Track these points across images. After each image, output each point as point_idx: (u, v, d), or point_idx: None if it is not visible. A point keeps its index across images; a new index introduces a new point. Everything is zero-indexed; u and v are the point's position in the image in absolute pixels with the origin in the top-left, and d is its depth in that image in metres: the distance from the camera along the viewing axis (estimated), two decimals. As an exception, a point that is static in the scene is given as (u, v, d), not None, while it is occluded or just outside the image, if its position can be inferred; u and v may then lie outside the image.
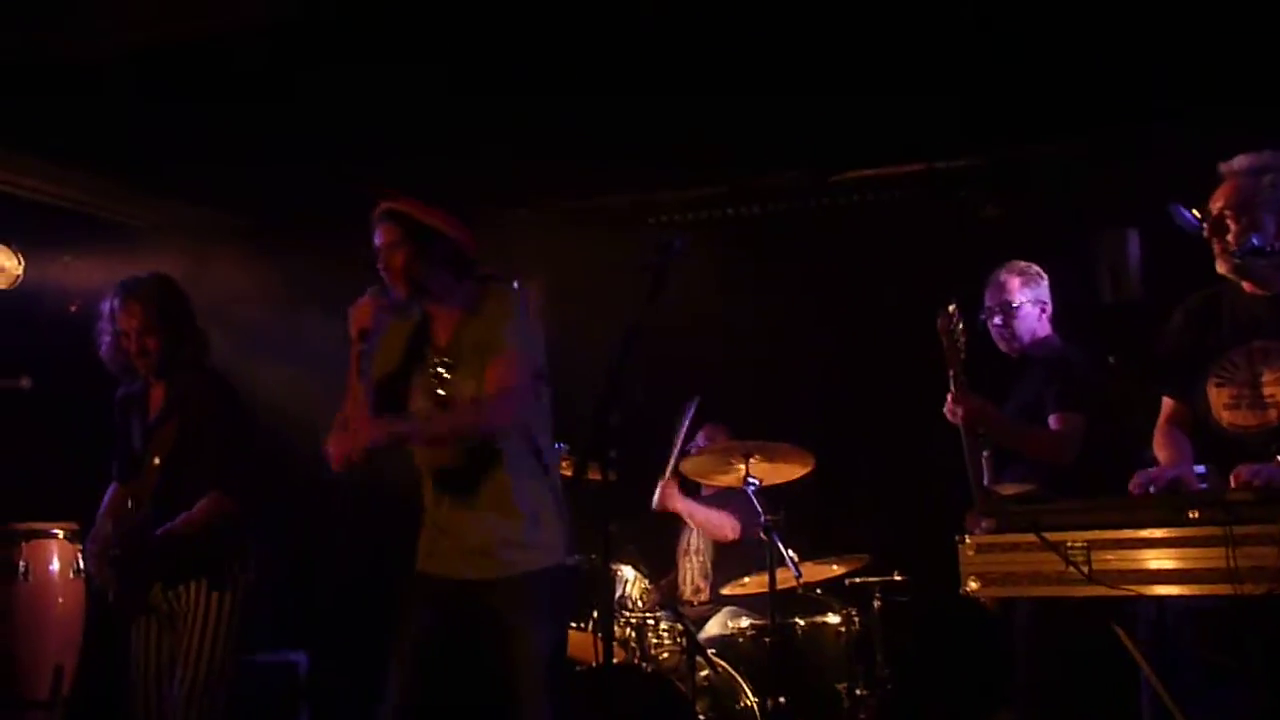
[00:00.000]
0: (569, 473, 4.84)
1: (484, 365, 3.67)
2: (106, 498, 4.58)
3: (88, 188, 6.55)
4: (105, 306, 4.43)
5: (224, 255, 6.57)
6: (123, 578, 4.29)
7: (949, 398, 4.42)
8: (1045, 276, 4.84)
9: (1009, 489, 3.93)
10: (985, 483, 4.25)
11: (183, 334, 4.42)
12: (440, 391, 3.75)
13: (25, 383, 4.87)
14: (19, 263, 6.14)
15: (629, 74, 5.16)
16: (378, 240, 3.76)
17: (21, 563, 5.11)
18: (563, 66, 5.14)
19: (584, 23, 4.84)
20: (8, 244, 6.15)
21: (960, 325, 4.42)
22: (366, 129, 5.63)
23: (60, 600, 5.18)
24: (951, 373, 4.42)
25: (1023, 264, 4.85)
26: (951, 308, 4.42)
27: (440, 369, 3.78)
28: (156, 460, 4.28)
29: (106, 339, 4.42)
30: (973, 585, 3.28)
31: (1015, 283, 4.78)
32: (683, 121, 5.50)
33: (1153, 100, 5.34)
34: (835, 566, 5.27)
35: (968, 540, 3.28)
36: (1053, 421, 4.51)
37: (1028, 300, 4.77)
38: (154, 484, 4.27)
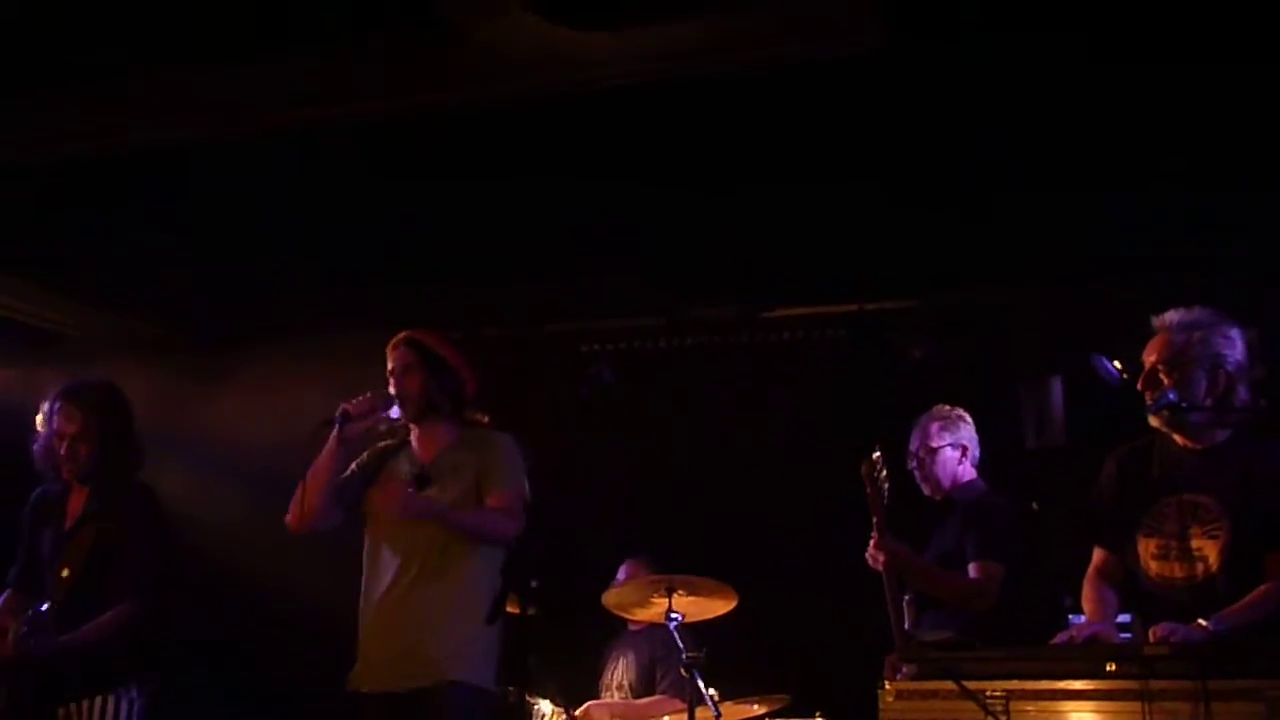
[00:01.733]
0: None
1: (473, 488, 4.07)
2: (0, 605, 4.45)
3: (16, 294, 6.47)
4: (45, 405, 4.40)
5: (145, 365, 6.50)
6: (14, 689, 4.13)
7: (871, 543, 4.45)
8: (968, 420, 4.90)
9: (929, 635, 3.92)
10: (905, 627, 4.24)
11: (117, 445, 4.39)
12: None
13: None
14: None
15: (569, 200, 5.22)
16: (392, 364, 4.21)
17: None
18: (498, 190, 5.19)
19: (533, 150, 4.91)
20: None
21: (884, 472, 4.48)
22: (306, 249, 5.62)
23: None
24: (875, 518, 4.46)
25: (945, 408, 4.91)
26: (876, 454, 4.48)
27: (416, 484, 4.11)
28: (65, 572, 4.19)
29: (40, 438, 4.39)
30: (890, 731, 3.25)
31: (935, 427, 4.84)
32: (623, 251, 5.56)
33: (1080, 252, 5.47)
34: (756, 706, 5.19)
35: (887, 686, 3.26)
36: (972, 570, 4.54)
37: (947, 444, 4.82)
38: (63, 593, 4.17)
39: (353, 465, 4.29)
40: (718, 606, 5.16)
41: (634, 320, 6.29)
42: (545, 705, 5.17)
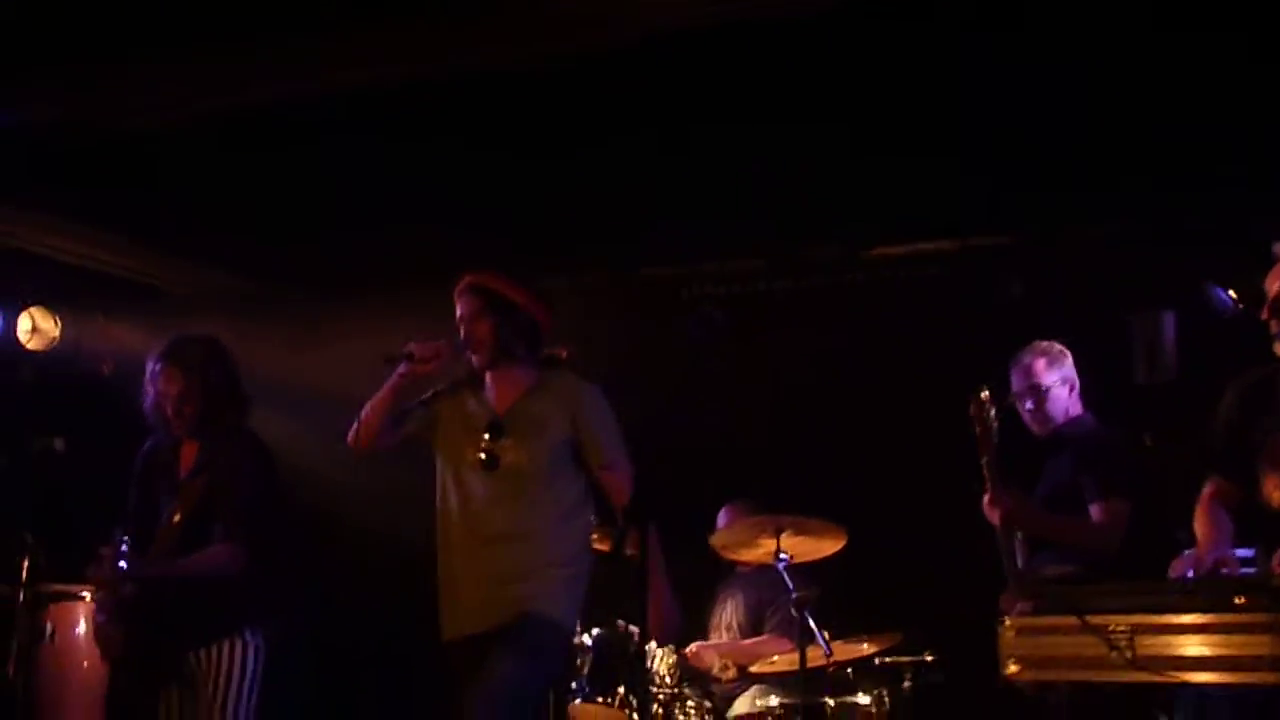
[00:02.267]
0: (604, 547, 4.83)
1: (559, 444, 3.96)
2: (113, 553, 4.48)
3: (122, 251, 6.62)
4: (149, 365, 4.43)
5: (252, 321, 6.62)
6: (131, 629, 4.22)
7: (985, 497, 4.39)
8: (1068, 355, 4.80)
9: (1049, 570, 3.88)
10: (1020, 565, 4.19)
11: (222, 400, 4.41)
12: (482, 455, 3.94)
13: (59, 444, 4.88)
14: (56, 324, 6.22)
15: (668, 143, 5.21)
16: (460, 311, 4.04)
17: (49, 624, 5.11)
18: (599, 136, 5.19)
19: (619, 94, 4.90)
20: (45, 306, 6.23)
21: (993, 412, 4.38)
22: (407, 201, 5.68)
23: (85, 663, 5.14)
24: (985, 464, 4.38)
25: (1044, 344, 4.80)
26: (984, 394, 4.39)
27: (488, 434, 3.97)
28: (177, 517, 4.26)
29: (149, 396, 4.43)
30: (1012, 668, 3.25)
31: (1040, 364, 4.73)
32: (722, 193, 5.54)
33: (1188, 181, 5.35)
34: (866, 645, 5.17)
35: (1007, 622, 3.24)
36: (1095, 511, 4.42)
37: (1055, 381, 4.71)
38: (174, 539, 4.25)
39: (420, 399, 4.18)
40: (826, 546, 5.13)
41: (734, 263, 6.26)
42: (654, 644, 5.21)
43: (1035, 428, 4.75)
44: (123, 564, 4.03)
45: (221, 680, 4.20)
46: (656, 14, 4.36)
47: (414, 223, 5.88)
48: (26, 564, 4.78)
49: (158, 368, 4.38)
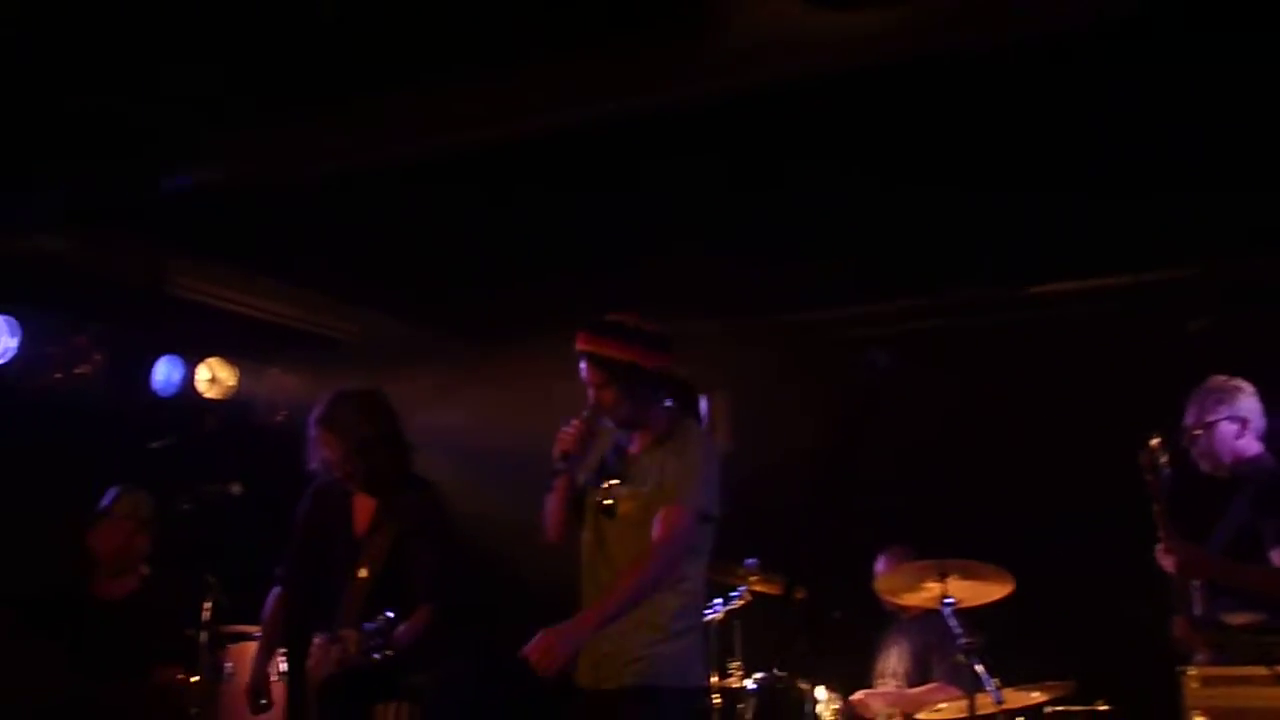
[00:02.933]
0: (769, 589, 4.82)
1: (653, 497, 3.89)
2: (271, 600, 4.60)
3: (295, 301, 6.84)
4: (309, 426, 4.47)
5: (423, 369, 6.76)
6: (326, 699, 4.22)
7: (1158, 546, 4.26)
8: (1247, 391, 4.60)
9: (1237, 618, 3.72)
10: (1197, 612, 4.04)
11: (381, 454, 4.42)
12: (605, 501, 3.99)
13: (236, 489, 5.04)
14: (233, 374, 6.46)
15: (824, 183, 5.17)
16: (584, 375, 3.99)
17: (228, 664, 5.26)
18: (753, 177, 5.19)
19: (779, 134, 4.89)
20: (222, 357, 6.48)
21: (1164, 458, 4.25)
22: (568, 245, 5.76)
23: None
24: (1158, 513, 4.26)
25: (1221, 379, 4.64)
26: (1154, 442, 4.27)
27: (614, 480, 4.02)
28: (363, 573, 4.28)
29: (312, 455, 4.48)
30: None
31: (1210, 400, 4.57)
32: (879, 233, 5.48)
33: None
34: (1036, 694, 5.05)
35: (1191, 672, 3.13)
36: (1277, 557, 4.20)
37: (1224, 417, 4.54)
38: (363, 596, 4.25)
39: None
40: (993, 591, 5.03)
41: (896, 303, 6.19)
42: (821, 691, 5.16)
43: (1203, 465, 4.59)
44: (375, 655, 4.04)
45: None
46: (820, 53, 4.35)
47: (576, 268, 5.95)
48: (209, 605, 4.93)
49: (315, 434, 4.44)
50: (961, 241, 5.62)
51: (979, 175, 5.07)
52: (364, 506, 4.47)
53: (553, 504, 4.06)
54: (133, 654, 4.95)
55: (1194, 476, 4.59)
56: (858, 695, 5.41)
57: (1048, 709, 5.06)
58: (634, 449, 4.06)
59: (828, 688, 5.17)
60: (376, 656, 4.00)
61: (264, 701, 4.51)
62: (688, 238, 5.70)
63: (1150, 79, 4.33)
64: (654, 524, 3.85)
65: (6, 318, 5.59)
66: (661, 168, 5.17)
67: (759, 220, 5.51)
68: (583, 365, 3.99)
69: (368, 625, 4.02)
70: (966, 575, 4.97)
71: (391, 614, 4.06)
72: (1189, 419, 4.62)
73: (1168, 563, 4.25)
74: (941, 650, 5.34)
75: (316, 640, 4.25)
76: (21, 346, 5.62)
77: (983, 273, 5.97)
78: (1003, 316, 6.09)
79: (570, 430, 3.96)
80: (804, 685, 5.15)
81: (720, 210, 5.48)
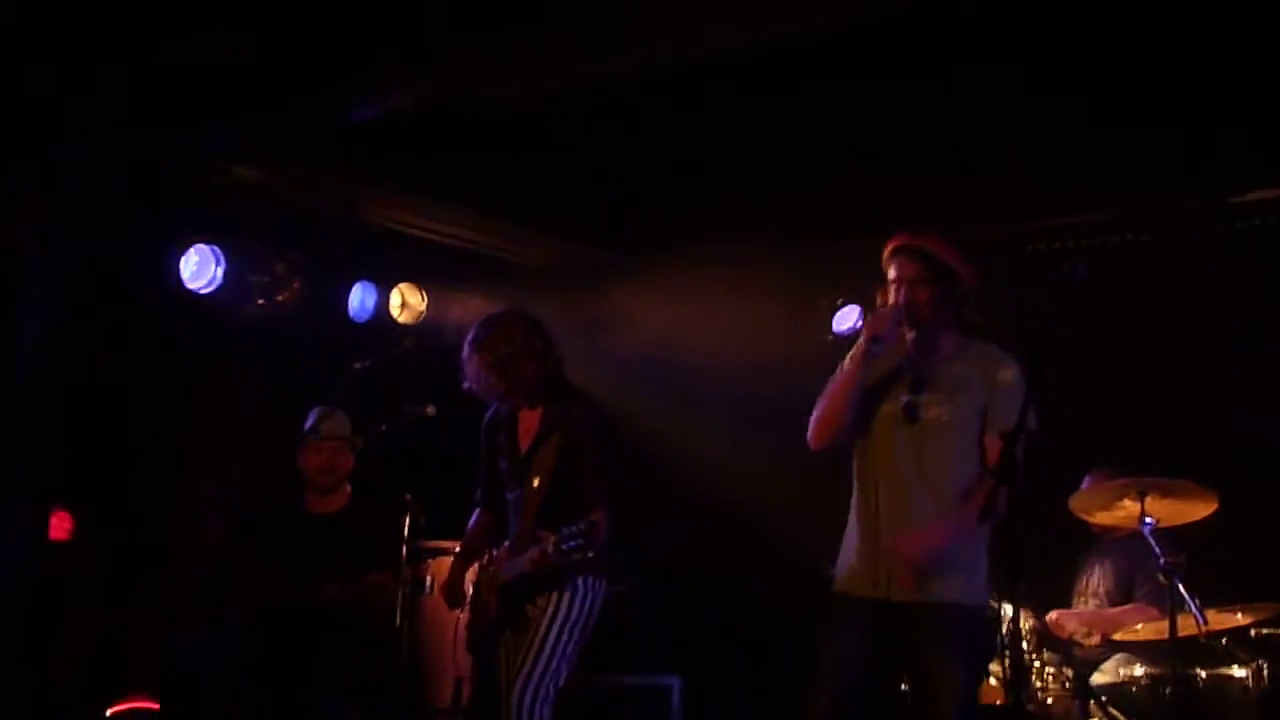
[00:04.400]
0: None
1: (974, 412, 3.87)
2: (472, 522, 4.86)
3: (480, 228, 6.96)
4: (464, 353, 4.68)
5: (608, 291, 6.85)
6: (505, 598, 4.52)
7: None
8: None
9: None
10: None
11: (527, 366, 4.59)
12: (909, 403, 3.91)
13: (430, 410, 5.18)
14: (423, 299, 6.62)
15: (1002, 93, 5.02)
16: (897, 272, 3.94)
17: (428, 578, 5.47)
18: (922, 91, 5.09)
19: (962, 46, 4.78)
20: (413, 282, 6.65)
21: None
22: (749, 166, 5.75)
23: (460, 614, 5.47)
24: None
25: None
26: None
27: (912, 393, 3.93)
28: (537, 481, 4.48)
29: (468, 376, 4.68)
30: None
31: None
32: (1068, 142, 5.32)
33: None
34: (1240, 615, 4.89)
35: None
36: None
37: None
38: (537, 504, 4.46)
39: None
40: (1195, 510, 4.86)
41: (1084, 216, 6.01)
42: (1008, 609, 5.07)
43: None
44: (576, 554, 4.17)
45: (542, 622, 4.42)
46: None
47: (755, 188, 5.92)
48: (407, 522, 5.11)
49: (464, 356, 4.66)
50: (1157, 151, 5.41)
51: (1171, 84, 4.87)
52: (528, 421, 4.67)
53: (836, 396, 3.93)
54: (343, 565, 5.21)
55: None
56: (1052, 615, 5.33)
57: (1254, 631, 4.91)
58: (925, 364, 3.98)
59: (1021, 607, 5.07)
60: (577, 556, 4.15)
61: (459, 598, 4.76)
62: (872, 155, 5.63)
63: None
64: (991, 453, 3.81)
65: (212, 247, 5.80)
66: (838, 86, 5.10)
67: (946, 134, 5.41)
68: (899, 262, 3.94)
69: (566, 528, 4.17)
70: (1166, 494, 4.82)
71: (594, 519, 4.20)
72: None
73: None
74: (1145, 571, 5.20)
75: (500, 549, 4.60)
76: (225, 275, 5.82)
77: (1176, 183, 5.75)
78: (1202, 227, 5.84)
79: (885, 313, 3.91)
80: (996, 604, 5.09)
81: (904, 126, 5.40)
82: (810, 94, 5.17)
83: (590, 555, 4.17)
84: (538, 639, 4.40)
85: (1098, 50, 4.76)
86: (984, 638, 3.92)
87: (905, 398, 3.93)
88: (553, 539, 4.18)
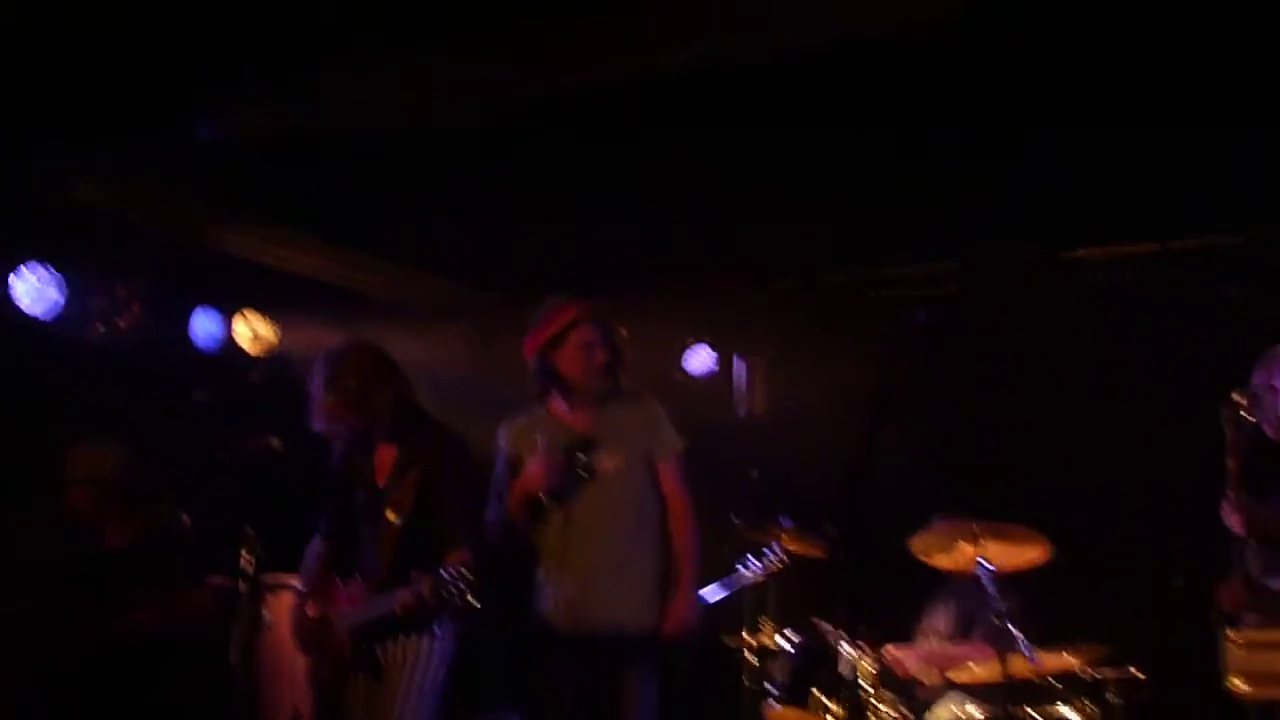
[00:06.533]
0: (801, 548, 4.81)
1: (639, 453, 4.53)
2: (313, 554, 4.69)
3: (327, 255, 6.86)
4: (311, 387, 4.54)
5: (447, 325, 6.81)
6: (356, 640, 4.35)
7: (1225, 503, 4.25)
8: None
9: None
10: (1255, 575, 4.03)
11: (376, 398, 4.46)
12: (581, 473, 4.45)
13: (275, 443, 5.08)
14: (274, 330, 6.50)
15: (855, 144, 5.16)
16: (585, 336, 4.49)
17: (266, 613, 5.32)
18: (784, 139, 5.18)
19: (815, 99, 4.89)
20: (263, 311, 6.52)
21: (1250, 417, 4.22)
22: (594, 205, 5.80)
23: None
24: (1231, 469, 4.22)
25: None
26: (1238, 397, 4.23)
27: (581, 452, 4.49)
28: (394, 517, 4.35)
29: (318, 414, 4.53)
30: (1238, 683, 3.15)
31: (1278, 364, 4.55)
32: (914, 192, 5.47)
33: None
34: (1070, 658, 5.05)
35: (1235, 636, 3.14)
36: None
37: None
38: (395, 541, 4.33)
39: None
40: (1027, 555, 5.00)
41: (927, 266, 6.19)
42: (845, 646, 5.15)
43: (1267, 428, 4.52)
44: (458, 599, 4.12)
45: (401, 671, 4.30)
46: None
47: (601, 227, 5.96)
48: (246, 556, 4.98)
49: (311, 394, 4.54)
50: (998, 202, 5.60)
51: (1009, 137, 5.05)
52: (384, 455, 4.53)
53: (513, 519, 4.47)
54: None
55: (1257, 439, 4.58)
56: (889, 649, 5.42)
57: (1084, 672, 5.06)
58: (580, 423, 4.55)
59: (861, 645, 5.15)
60: (457, 603, 4.04)
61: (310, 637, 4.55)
62: (718, 200, 5.71)
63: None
64: (664, 480, 4.53)
65: (51, 271, 5.60)
66: (687, 133, 5.16)
67: (788, 181, 5.49)
68: (587, 327, 4.49)
69: (443, 571, 4.05)
70: (999, 538, 4.94)
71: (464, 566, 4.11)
72: (1256, 380, 4.57)
73: (1234, 521, 4.22)
74: (981, 612, 5.33)
75: (349, 585, 4.43)
76: (65, 299, 5.63)
77: (1016, 234, 5.96)
78: (1037, 279, 6.07)
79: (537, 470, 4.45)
80: (836, 643, 5.18)
81: (749, 172, 5.47)
82: (657, 138, 5.21)
83: (468, 601, 4.05)
84: (400, 694, 4.27)
85: (938, 100, 4.91)
86: None
87: (579, 461, 4.49)
88: (428, 582, 4.05)
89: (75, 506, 5.02)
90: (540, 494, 4.40)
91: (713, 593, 5.42)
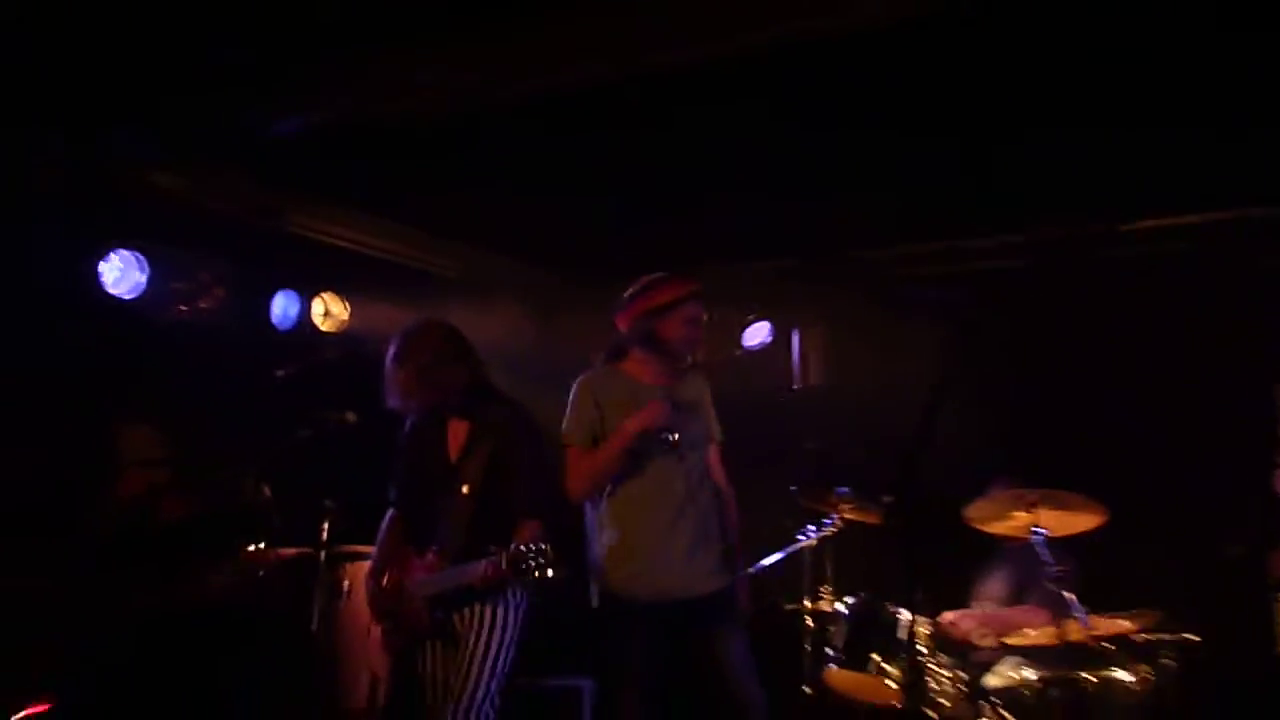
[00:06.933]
0: (858, 516, 4.93)
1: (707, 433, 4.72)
2: (387, 524, 4.77)
3: (402, 239, 7.06)
4: (387, 369, 4.65)
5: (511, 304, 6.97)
6: (435, 609, 4.45)
7: (1277, 472, 4.29)
8: None
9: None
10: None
11: (447, 374, 4.57)
12: (673, 436, 4.54)
13: (351, 417, 5.24)
14: (346, 308, 6.69)
15: (910, 123, 5.22)
16: (693, 312, 4.60)
17: (345, 582, 5.54)
18: (848, 122, 5.27)
19: (873, 75, 4.96)
20: (335, 291, 6.71)
21: None
22: (663, 188, 5.90)
23: (378, 618, 5.55)
24: None
25: None
26: None
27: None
28: (467, 490, 4.45)
29: (391, 390, 4.64)
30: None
31: None
32: (972, 169, 5.53)
33: None
34: (1125, 622, 5.14)
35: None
36: None
37: None
38: (470, 513, 4.45)
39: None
40: (1083, 522, 5.10)
41: (988, 240, 6.25)
42: (905, 614, 5.28)
43: None
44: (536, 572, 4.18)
45: (474, 638, 4.39)
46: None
47: (670, 210, 6.06)
48: (326, 527, 5.17)
49: (386, 371, 4.64)
50: (1052, 178, 5.64)
51: (1065, 112, 5.08)
52: (457, 430, 4.63)
53: (608, 469, 4.50)
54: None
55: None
56: (947, 615, 5.53)
57: (1139, 637, 5.14)
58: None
59: (917, 610, 5.27)
60: (534, 576, 4.11)
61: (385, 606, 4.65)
62: (777, 179, 5.80)
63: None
64: (713, 463, 4.71)
65: (135, 254, 5.82)
66: (756, 106, 5.25)
67: (849, 159, 5.56)
68: (698, 305, 4.60)
69: (524, 546, 4.13)
70: (1055, 505, 5.03)
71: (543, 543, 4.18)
72: None
73: None
74: (1035, 578, 5.42)
75: (425, 556, 4.50)
76: (149, 281, 5.84)
77: (1072, 209, 6.00)
78: (1092, 253, 6.11)
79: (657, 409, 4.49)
80: (890, 608, 5.31)
81: (808, 151, 5.53)
82: (718, 119, 5.28)
83: (547, 576, 4.12)
84: (475, 661, 4.35)
85: (995, 76, 4.96)
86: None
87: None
88: (507, 556, 4.15)
89: (126, 485, 5.24)
90: (657, 429, 4.47)
91: (773, 560, 5.58)
